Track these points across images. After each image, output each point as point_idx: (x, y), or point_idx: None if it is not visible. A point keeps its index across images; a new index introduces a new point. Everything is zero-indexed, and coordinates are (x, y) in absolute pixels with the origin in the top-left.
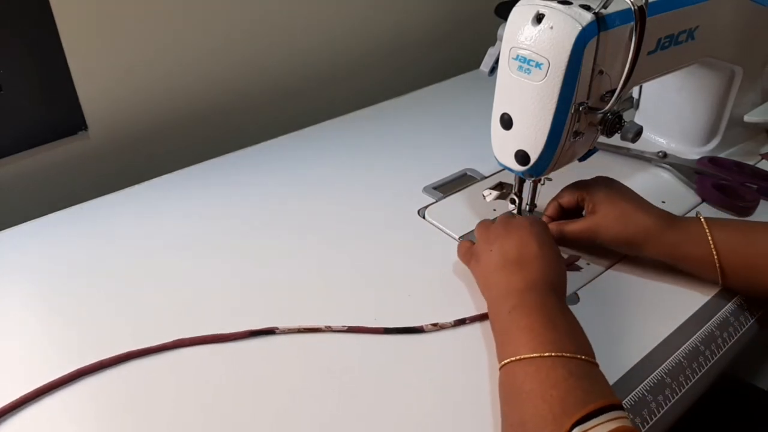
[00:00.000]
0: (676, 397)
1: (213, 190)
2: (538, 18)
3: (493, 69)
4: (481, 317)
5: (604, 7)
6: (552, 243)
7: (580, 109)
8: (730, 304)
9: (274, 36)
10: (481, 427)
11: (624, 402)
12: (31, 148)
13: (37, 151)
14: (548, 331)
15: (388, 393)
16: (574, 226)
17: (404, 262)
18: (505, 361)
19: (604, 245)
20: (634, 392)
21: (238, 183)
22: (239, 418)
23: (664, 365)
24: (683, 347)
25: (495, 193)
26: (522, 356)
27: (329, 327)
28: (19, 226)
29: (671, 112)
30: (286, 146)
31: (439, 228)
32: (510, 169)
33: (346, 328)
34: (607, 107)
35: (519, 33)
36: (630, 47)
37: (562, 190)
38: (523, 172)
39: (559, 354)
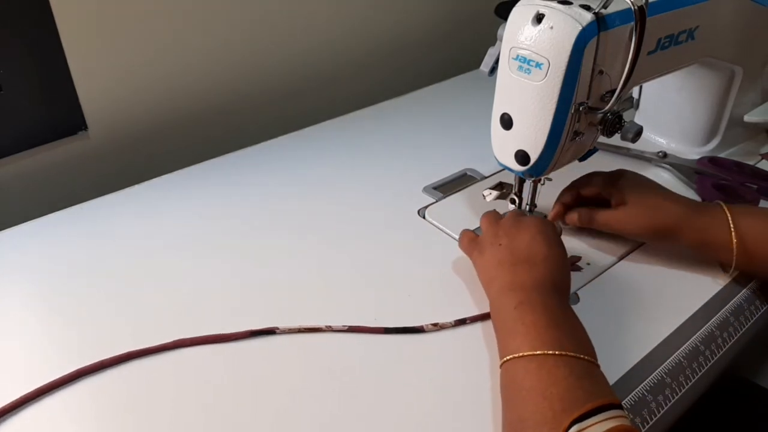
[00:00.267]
0: (676, 397)
1: (213, 190)
2: (538, 18)
3: (493, 69)
4: (482, 317)
5: (604, 7)
6: (560, 244)
7: (580, 109)
8: (730, 304)
9: (274, 36)
10: (481, 426)
11: (624, 402)
12: (31, 148)
13: (37, 151)
14: (552, 329)
15: (388, 393)
16: (605, 216)
17: (404, 262)
18: (507, 358)
19: (629, 236)
20: (634, 392)
21: (238, 183)
22: (240, 418)
23: (664, 365)
24: (683, 347)
25: (495, 193)
26: (524, 353)
27: (330, 327)
28: (19, 226)
29: (671, 112)
30: (286, 146)
31: (439, 228)
32: (510, 169)
33: (346, 327)
34: (607, 107)
35: (519, 33)
36: (630, 47)
37: (582, 180)
38: (523, 172)
39: (562, 353)
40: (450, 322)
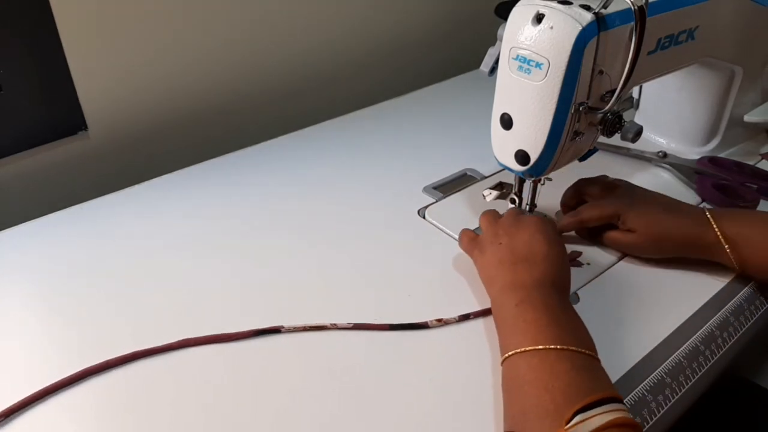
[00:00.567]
0: (676, 397)
1: (213, 190)
2: (538, 18)
3: (493, 69)
4: (486, 312)
5: (604, 7)
6: (560, 242)
7: (580, 109)
8: (730, 304)
9: (274, 36)
10: (486, 422)
11: (624, 402)
12: (31, 148)
13: (37, 151)
14: (553, 325)
15: (395, 389)
16: (615, 236)
17: (404, 262)
18: (510, 353)
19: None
20: (634, 392)
21: (238, 183)
22: (245, 417)
23: (664, 365)
24: (683, 347)
25: (495, 193)
26: (527, 348)
27: (334, 324)
28: (19, 226)
29: (671, 112)
30: (286, 146)
31: (439, 228)
32: (510, 169)
33: (351, 325)
34: (607, 107)
35: (519, 33)
36: (630, 47)
37: (591, 206)
38: (523, 172)
39: (564, 347)
40: (454, 318)
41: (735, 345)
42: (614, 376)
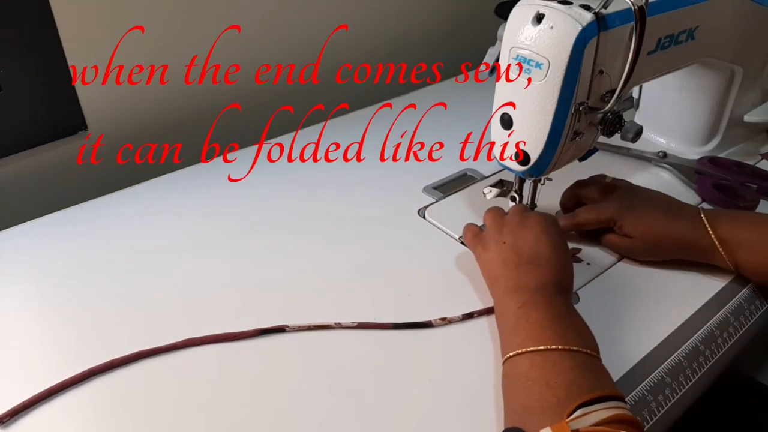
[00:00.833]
0: (676, 397)
1: (213, 190)
2: (538, 18)
3: (493, 69)
4: (489, 311)
5: (604, 7)
6: (564, 243)
7: (580, 109)
8: (730, 304)
9: (274, 36)
10: (492, 418)
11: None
12: (31, 148)
13: (37, 151)
14: (557, 326)
15: (399, 387)
16: (613, 240)
17: (404, 262)
18: (513, 353)
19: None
20: (634, 392)
21: (239, 183)
22: (249, 416)
23: (664, 365)
24: (683, 347)
25: (495, 190)
26: (530, 348)
27: (339, 324)
28: (19, 226)
29: (671, 112)
30: (286, 146)
31: (439, 228)
32: (510, 169)
33: (355, 324)
34: (607, 107)
35: (519, 33)
36: (630, 47)
37: (588, 210)
38: (523, 172)
39: (566, 347)
40: (458, 316)
41: (735, 345)
42: (614, 375)
